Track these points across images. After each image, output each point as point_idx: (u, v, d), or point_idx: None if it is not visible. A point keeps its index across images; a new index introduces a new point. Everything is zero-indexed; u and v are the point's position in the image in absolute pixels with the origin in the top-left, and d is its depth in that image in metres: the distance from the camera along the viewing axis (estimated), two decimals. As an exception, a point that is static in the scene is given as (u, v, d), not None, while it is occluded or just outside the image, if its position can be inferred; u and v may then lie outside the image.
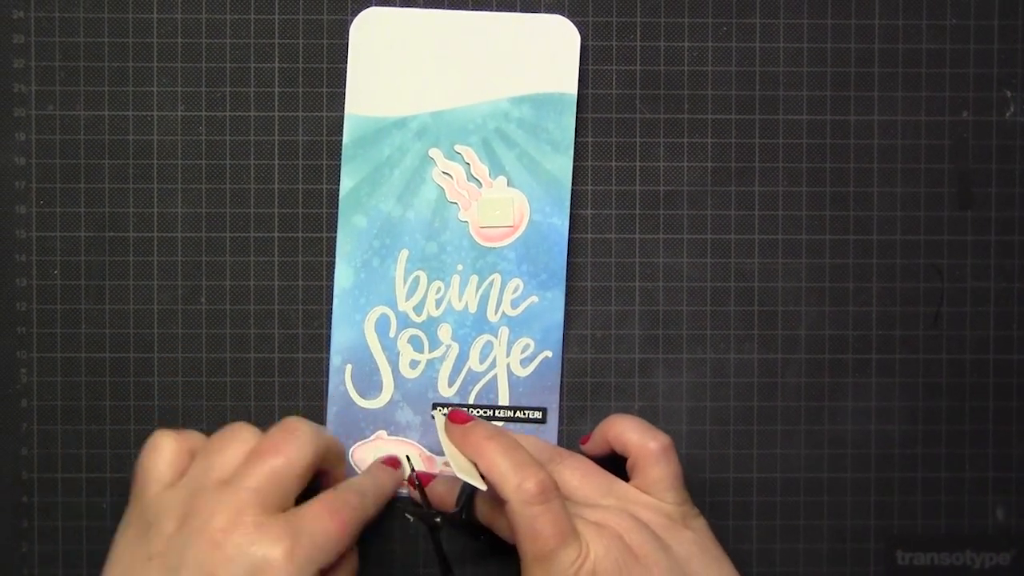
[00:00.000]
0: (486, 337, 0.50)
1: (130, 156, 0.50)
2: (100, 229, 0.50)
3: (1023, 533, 0.51)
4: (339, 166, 0.50)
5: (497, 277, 0.49)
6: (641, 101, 0.50)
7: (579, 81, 0.50)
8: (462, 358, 0.49)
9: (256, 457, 0.42)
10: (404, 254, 0.49)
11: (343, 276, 0.49)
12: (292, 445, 0.42)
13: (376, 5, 0.50)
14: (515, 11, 0.50)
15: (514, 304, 0.49)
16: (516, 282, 0.49)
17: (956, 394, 0.51)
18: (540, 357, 0.50)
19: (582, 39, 0.50)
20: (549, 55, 0.49)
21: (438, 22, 0.49)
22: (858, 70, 0.50)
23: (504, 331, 0.49)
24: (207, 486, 0.41)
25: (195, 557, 0.39)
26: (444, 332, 0.49)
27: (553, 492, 0.42)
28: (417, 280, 0.49)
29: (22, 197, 0.50)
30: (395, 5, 0.50)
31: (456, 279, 0.49)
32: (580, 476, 0.46)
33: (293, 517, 0.41)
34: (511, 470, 0.42)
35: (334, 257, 0.50)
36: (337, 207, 0.50)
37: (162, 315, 0.50)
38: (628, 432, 0.47)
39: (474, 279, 0.49)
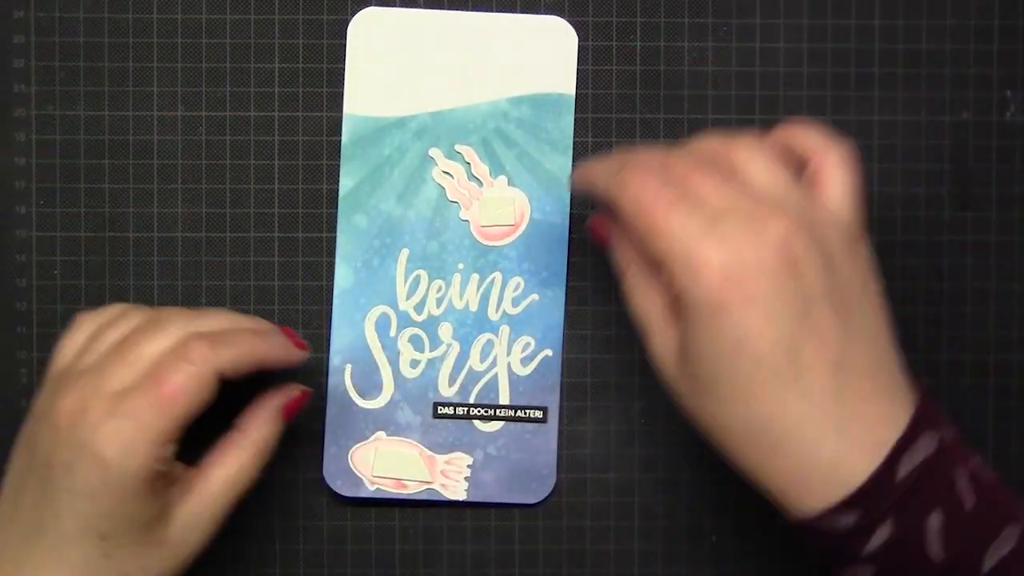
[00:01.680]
0: (487, 336, 0.49)
1: (130, 156, 0.50)
2: (100, 229, 0.50)
3: (1023, 533, 0.51)
4: (339, 166, 0.50)
5: (498, 275, 0.49)
6: (641, 101, 0.50)
7: (579, 81, 0.50)
8: (463, 357, 0.49)
9: (141, 391, 0.39)
10: (404, 253, 0.49)
11: (343, 276, 0.49)
12: (174, 393, 0.39)
13: (376, 5, 0.50)
14: (515, 11, 0.50)
15: (515, 302, 0.49)
16: (517, 280, 0.49)
17: (956, 394, 0.51)
18: (541, 355, 0.50)
19: (582, 39, 0.50)
20: (547, 56, 0.49)
21: (437, 22, 0.49)
22: (858, 70, 0.50)
23: (505, 329, 0.49)
24: (71, 373, 0.41)
25: (42, 440, 0.40)
26: (445, 331, 0.49)
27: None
28: (418, 279, 0.49)
29: (22, 197, 0.50)
30: (395, 5, 0.50)
31: (457, 278, 0.49)
32: (764, 165, 0.39)
33: (120, 406, 0.39)
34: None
35: (334, 257, 0.50)
36: (337, 207, 0.50)
37: (162, 315, 0.50)
38: (807, 137, 0.40)
39: (475, 278, 0.49)
